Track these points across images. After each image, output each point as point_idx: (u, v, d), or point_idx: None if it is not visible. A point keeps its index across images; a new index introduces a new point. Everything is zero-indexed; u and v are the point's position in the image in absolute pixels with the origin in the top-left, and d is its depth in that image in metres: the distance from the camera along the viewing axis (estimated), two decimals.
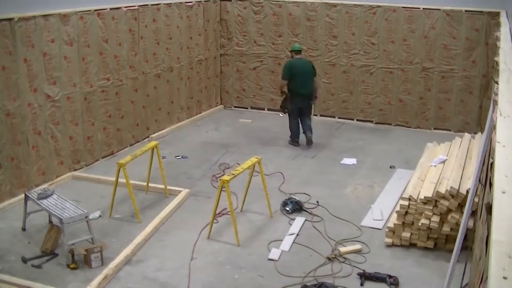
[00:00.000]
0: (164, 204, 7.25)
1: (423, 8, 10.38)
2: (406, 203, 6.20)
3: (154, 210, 7.15)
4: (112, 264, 5.69)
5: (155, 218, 6.78)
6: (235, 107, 12.26)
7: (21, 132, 7.22)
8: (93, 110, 8.51)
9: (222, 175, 7.99)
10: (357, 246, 6.27)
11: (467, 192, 5.71)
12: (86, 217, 5.97)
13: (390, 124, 11.09)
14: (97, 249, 5.76)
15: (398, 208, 6.39)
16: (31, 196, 6.40)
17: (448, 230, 6.00)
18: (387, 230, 6.43)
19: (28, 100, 7.25)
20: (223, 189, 6.27)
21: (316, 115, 11.65)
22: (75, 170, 8.20)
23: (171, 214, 7.03)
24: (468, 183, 5.99)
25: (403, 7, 10.53)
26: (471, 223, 5.43)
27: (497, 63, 5.93)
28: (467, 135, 7.99)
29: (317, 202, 7.47)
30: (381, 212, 7.17)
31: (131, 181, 7.06)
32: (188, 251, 6.14)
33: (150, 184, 7.66)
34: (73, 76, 8.01)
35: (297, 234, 6.61)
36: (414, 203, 6.18)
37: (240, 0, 11.72)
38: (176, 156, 9.20)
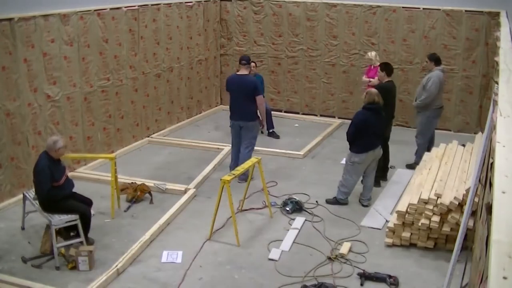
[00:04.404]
0: (168, 204, 7.25)
1: (423, 8, 10.38)
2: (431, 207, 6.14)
3: (157, 209, 7.16)
4: (114, 264, 5.68)
5: (161, 218, 6.78)
6: None
7: (21, 132, 7.22)
8: (93, 110, 8.51)
9: None
10: (348, 245, 6.28)
11: (467, 192, 5.71)
12: (75, 220, 5.91)
13: None
14: (84, 253, 5.69)
15: (398, 208, 6.39)
16: (28, 196, 6.39)
17: (448, 230, 6.00)
18: (387, 230, 6.43)
19: (28, 100, 7.25)
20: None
21: (316, 115, 11.68)
22: (75, 170, 8.20)
23: (176, 214, 7.02)
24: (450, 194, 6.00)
25: (403, 7, 10.54)
26: (471, 223, 5.43)
27: (497, 63, 5.93)
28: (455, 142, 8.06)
29: (317, 202, 7.47)
30: (384, 212, 7.18)
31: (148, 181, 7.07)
32: (188, 251, 6.14)
33: (152, 182, 7.65)
34: (73, 76, 8.01)
35: (299, 230, 6.63)
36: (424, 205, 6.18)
37: (240, 0, 11.73)
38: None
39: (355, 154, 7.14)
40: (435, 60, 8.51)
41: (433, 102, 8.41)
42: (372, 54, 9.67)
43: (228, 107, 8.19)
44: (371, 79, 9.32)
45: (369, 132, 7.05)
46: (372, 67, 9.52)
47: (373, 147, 7.15)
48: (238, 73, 8.14)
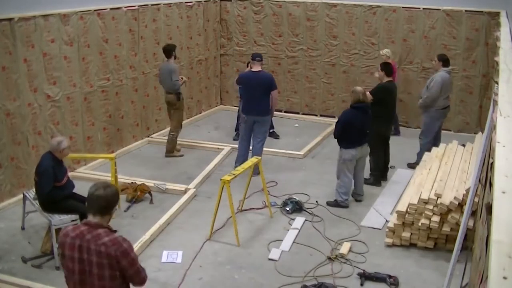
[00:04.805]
0: (168, 204, 7.25)
1: (423, 8, 10.38)
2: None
3: (157, 209, 7.15)
4: None
5: (161, 218, 6.77)
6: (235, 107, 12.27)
7: (21, 132, 7.22)
8: (93, 110, 8.51)
9: None
10: (348, 245, 6.28)
11: (467, 192, 5.71)
12: (75, 220, 5.90)
13: None
14: None
15: (398, 208, 6.39)
16: (28, 196, 6.39)
17: (448, 230, 6.00)
18: (387, 230, 6.43)
19: (28, 100, 7.25)
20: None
21: (316, 115, 11.68)
22: (75, 170, 8.20)
23: (176, 214, 7.02)
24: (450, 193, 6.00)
25: (403, 7, 10.54)
26: (471, 223, 5.43)
27: (497, 63, 5.93)
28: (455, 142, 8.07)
29: (317, 202, 7.48)
30: (384, 212, 7.18)
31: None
32: (188, 251, 6.14)
33: (152, 182, 7.65)
34: (73, 76, 8.01)
35: (299, 230, 6.63)
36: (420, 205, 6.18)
37: (240, 0, 11.73)
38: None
39: (345, 150, 7.24)
40: (444, 61, 8.48)
41: (435, 103, 8.39)
42: (389, 51, 9.62)
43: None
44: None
45: (354, 130, 7.14)
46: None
47: (360, 144, 7.24)
48: (252, 69, 8.42)
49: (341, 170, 7.36)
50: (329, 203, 7.39)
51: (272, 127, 10.30)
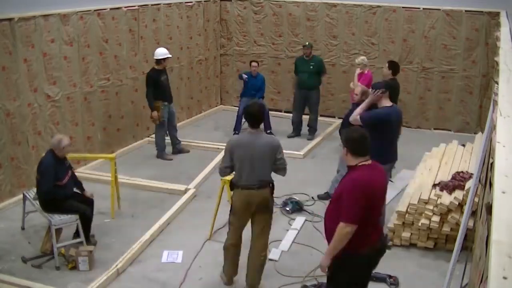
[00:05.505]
0: (168, 204, 7.24)
1: (423, 8, 10.39)
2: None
3: (157, 209, 7.15)
4: (114, 264, 5.68)
5: (161, 218, 6.77)
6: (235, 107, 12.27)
7: (21, 132, 7.22)
8: (93, 110, 8.51)
9: None
10: None
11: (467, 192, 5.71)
12: (76, 220, 5.90)
13: None
14: (84, 253, 5.70)
15: (399, 208, 6.39)
16: (28, 196, 6.39)
17: (448, 230, 6.00)
18: (387, 230, 6.43)
19: (28, 100, 7.24)
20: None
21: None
22: (75, 170, 8.19)
23: (176, 214, 7.02)
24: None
25: (403, 7, 10.54)
26: (471, 223, 5.43)
27: (497, 63, 5.93)
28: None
29: (312, 198, 7.55)
30: None
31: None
32: (188, 251, 6.13)
33: (153, 183, 7.65)
34: (73, 76, 8.01)
35: (298, 230, 6.63)
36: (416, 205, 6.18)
37: (240, 0, 11.73)
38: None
39: None
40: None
41: None
42: (365, 59, 9.41)
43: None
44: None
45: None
46: (366, 71, 9.34)
47: None
48: None
49: (343, 165, 7.40)
50: (320, 197, 7.47)
51: (269, 127, 10.29)
